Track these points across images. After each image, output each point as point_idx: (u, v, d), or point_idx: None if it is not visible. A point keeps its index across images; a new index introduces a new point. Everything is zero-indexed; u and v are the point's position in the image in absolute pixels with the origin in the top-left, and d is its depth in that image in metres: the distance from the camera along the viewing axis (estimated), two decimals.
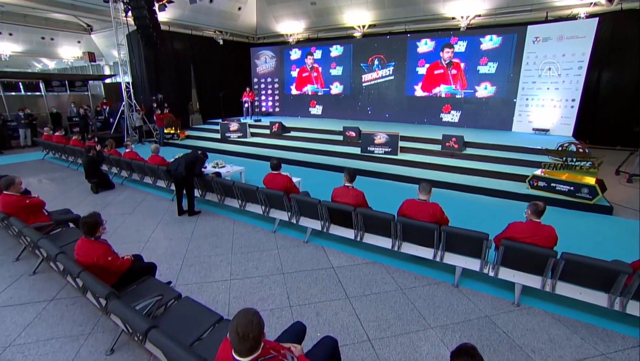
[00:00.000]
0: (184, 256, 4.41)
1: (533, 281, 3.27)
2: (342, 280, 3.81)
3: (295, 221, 4.80)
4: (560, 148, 6.33)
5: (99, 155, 7.16)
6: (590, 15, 9.84)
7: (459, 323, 3.12)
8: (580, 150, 6.05)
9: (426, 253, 3.84)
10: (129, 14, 10.73)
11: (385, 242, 4.09)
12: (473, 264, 3.59)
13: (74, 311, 3.31)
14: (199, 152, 6.01)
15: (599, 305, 3.02)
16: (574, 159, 6.06)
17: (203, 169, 6.57)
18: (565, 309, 3.27)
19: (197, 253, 4.46)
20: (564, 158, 6.13)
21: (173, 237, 4.96)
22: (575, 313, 3.22)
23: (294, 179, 6.29)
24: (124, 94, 12.65)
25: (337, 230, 4.45)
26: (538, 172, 6.40)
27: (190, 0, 12.61)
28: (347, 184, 4.24)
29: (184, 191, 5.68)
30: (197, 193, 6.11)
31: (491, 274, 3.48)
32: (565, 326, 3.08)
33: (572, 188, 5.87)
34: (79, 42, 21.49)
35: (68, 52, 22.14)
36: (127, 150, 7.23)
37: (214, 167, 7.25)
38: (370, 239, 4.21)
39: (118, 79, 13.07)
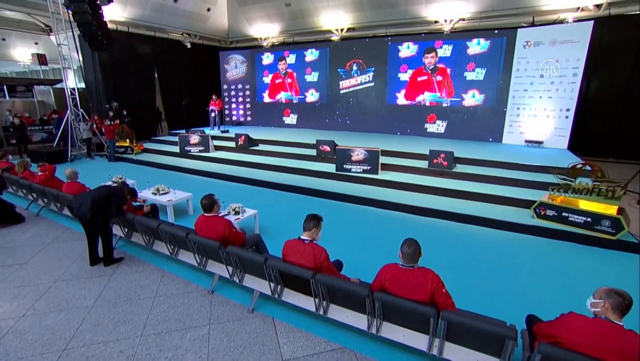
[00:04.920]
0: (67, 342, 3.00)
1: None
2: None
3: (238, 280, 3.49)
4: (571, 168, 5.29)
5: None
6: (578, 21, 9.13)
7: None
8: (599, 173, 5.01)
9: (417, 341, 2.61)
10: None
11: (358, 320, 2.84)
12: None
13: None
14: (126, 186, 4.64)
15: None
16: (589, 182, 5.01)
17: (139, 199, 5.20)
18: None
19: (89, 337, 3.06)
20: (577, 181, 5.08)
21: (67, 305, 3.53)
22: None
23: (248, 212, 5.00)
24: (69, 101, 11.04)
25: (292, 297, 3.16)
26: (545, 198, 5.33)
27: None
28: (304, 237, 2.96)
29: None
30: (121, 232, 4.71)
31: None
32: None
33: (589, 220, 4.80)
34: (36, 43, 19.69)
35: (24, 55, 20.17)
36: (39, 173, 5.70)
37: (154, 194, 5.86)
38: (337, 313, 2.94)
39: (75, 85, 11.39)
